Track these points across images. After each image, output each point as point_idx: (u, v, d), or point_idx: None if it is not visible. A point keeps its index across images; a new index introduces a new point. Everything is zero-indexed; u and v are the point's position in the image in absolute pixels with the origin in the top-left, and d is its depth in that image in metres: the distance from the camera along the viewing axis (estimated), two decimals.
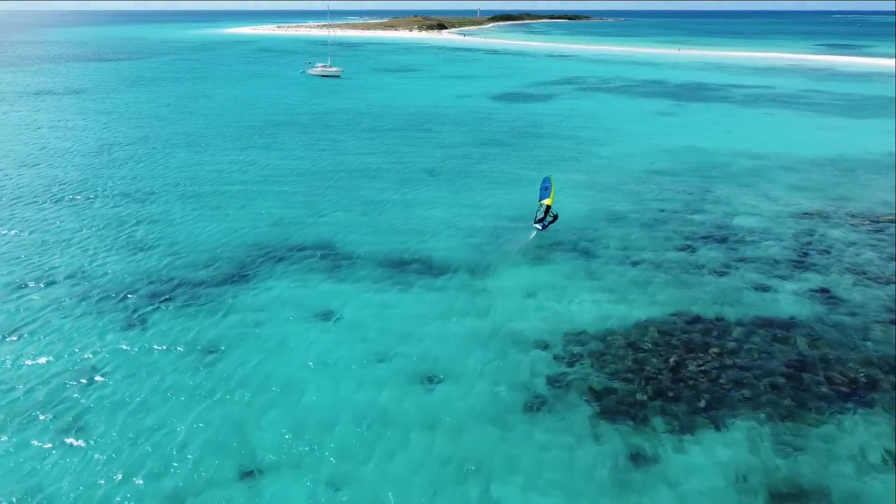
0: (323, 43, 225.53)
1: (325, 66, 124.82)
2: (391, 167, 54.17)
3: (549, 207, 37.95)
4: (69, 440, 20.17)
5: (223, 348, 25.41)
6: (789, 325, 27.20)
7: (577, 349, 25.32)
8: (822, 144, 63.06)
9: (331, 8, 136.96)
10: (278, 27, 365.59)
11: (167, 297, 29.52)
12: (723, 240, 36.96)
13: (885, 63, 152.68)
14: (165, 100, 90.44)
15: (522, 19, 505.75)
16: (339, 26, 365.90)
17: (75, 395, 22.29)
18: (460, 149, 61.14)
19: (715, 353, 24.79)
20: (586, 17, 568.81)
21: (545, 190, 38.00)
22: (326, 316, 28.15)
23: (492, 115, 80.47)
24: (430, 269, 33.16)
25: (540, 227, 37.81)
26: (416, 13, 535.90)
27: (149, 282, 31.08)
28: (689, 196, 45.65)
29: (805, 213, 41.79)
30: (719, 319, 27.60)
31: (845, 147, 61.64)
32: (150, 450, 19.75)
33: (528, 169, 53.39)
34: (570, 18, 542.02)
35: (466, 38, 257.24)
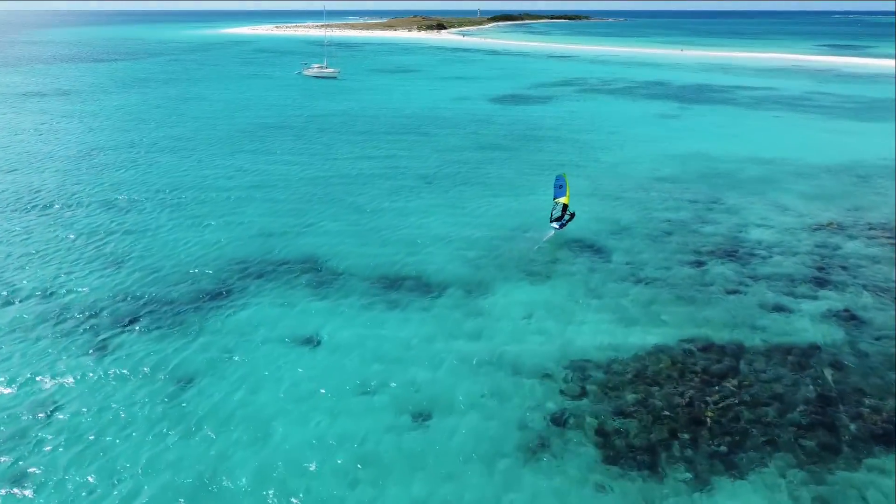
0: (320, 43, 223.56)
1: (321, 67, 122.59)
2: (384, 173, 51.87)
3: (566, 206, 37.19)
4: (4, 489, 17.88)
5: (190, 378, 23.15)
6: (810, 352, 24.89)
7: (578, 380, 23.03)
8: (833, 149, 60.73)
9: (328, 8, 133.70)
10: (277, 27, 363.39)
11: (134, 318, 27.23)
12: (734, 254, 34.64)
13: (888, 63, 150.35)
14: (156, 102, 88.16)
15: (522, 19, 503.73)
16: (338, 26, 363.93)
17: (19, 435, 20.01)
18: (457, 153, 58.85)
19: (732, 386, 22.49)
20: (587, 18, 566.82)
21: (559, 188, 37.01)
22: (306, 340, 25.87)
23: (490, 117, 78.16)
24: (421, 286, 30.88)
25: (557, 226, 37.12)
26: (416, 13, 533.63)
27: (116, 301, 28.79)
28: (697, 205, 43.34)
29: (819, 225, 39.46)
30: (735, 345, 25.29)
31: (857, 152, 59.29)
32: (97, 501, 17.45)
33: (528, 175, 51.17)
34: (570, 18, 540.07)
35: (465, 38, 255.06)
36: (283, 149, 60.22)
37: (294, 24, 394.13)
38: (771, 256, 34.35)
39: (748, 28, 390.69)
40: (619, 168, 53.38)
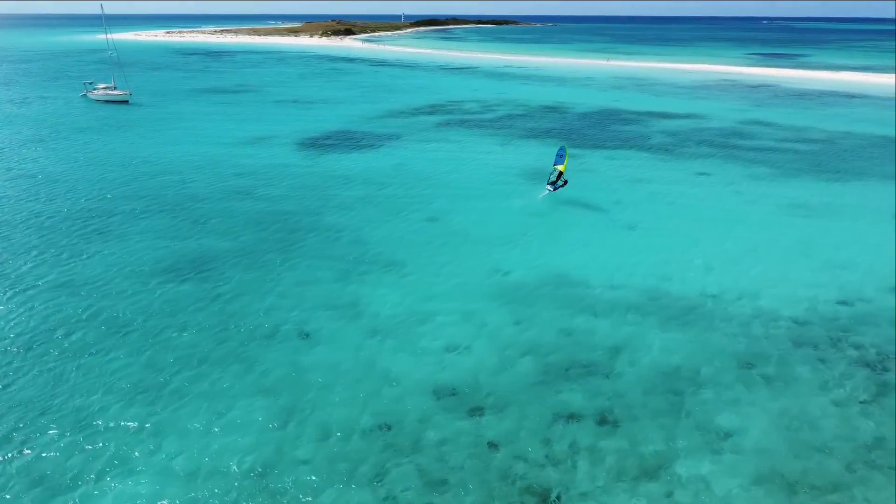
0: (209, 52, 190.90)
1: (107, 89, 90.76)
2: None
3: (561, 173, 43.17)
4: None
5: None
6: None
7: None
8: (806, 267, 33.84)
9: (107, 11, 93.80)
10: (168, 33, 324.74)
11: None
12: None
13: (827, 76, 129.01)
14: None
15: (447, 24, 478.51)
16: (237, 31, 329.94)
17: None
18: (113, 301, 29.32)
19: None
20: (514, 23, 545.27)
21: (560, 157, 43.33)
22: None
23: (266, 182, 49.19)
24: None
25: (551, 189, 43.38)
26: (339, 17, 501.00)
27: None
28: None
29: None
30: None
31: (852, 272, 32.61)
32: None
33: (208, 382, 22.10)
34: (496, 23, 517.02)
35: (364, 45, 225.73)
36: None
37: (189, 30, 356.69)
38: None
39: (677, 34, 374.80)
40: (377, 359, 24.65)
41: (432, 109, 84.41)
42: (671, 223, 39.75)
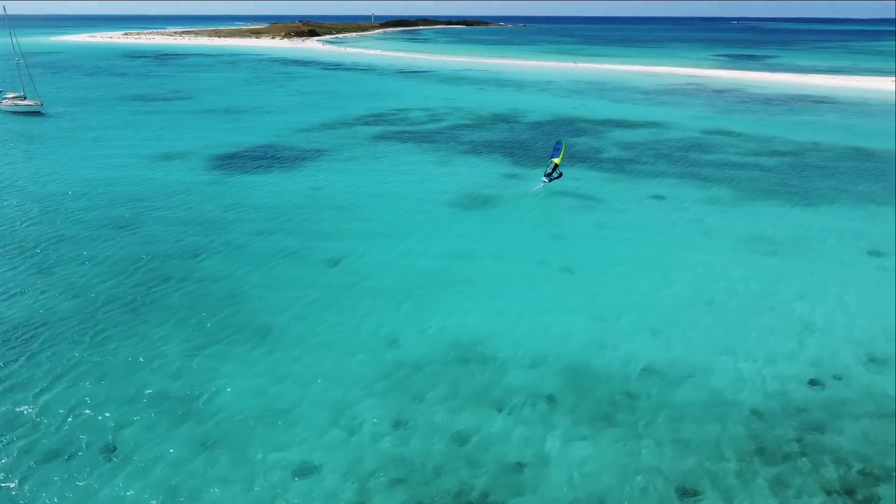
0: (160, 54, 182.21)
1: (16, 99, 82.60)
2: None
3: (556, 165, 45.25)
4: None
5: None
6: None
7: None
8: (778, 316, 28.00)
9: (12, 11, 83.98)
10: (125, 34, 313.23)
11: None
12: None
13: (794, 79, 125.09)
14: None
15: (417, 24, 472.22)
16: (196, 32, 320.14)
17: None
18: None
19: None
20: (484, 23, 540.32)
21: (556, 150, 45.65)
22: None
23: (163, 208, 42.61)
24: None
25: (547, 180, 45.61)
26: (308, 18, 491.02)
27: None
28: None
29: None
30: None
31: (830, 328, 26.83)
32: None
33: None
34: (467, 24, 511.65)
35: (325, 47, 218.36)
36: None
37: (147, 31, 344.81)
38: None
39: (647, 35, 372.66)
40: (196, 495, 18.04)
41: (374, 119, 77.78)
42: (615, 265, 33.65)
